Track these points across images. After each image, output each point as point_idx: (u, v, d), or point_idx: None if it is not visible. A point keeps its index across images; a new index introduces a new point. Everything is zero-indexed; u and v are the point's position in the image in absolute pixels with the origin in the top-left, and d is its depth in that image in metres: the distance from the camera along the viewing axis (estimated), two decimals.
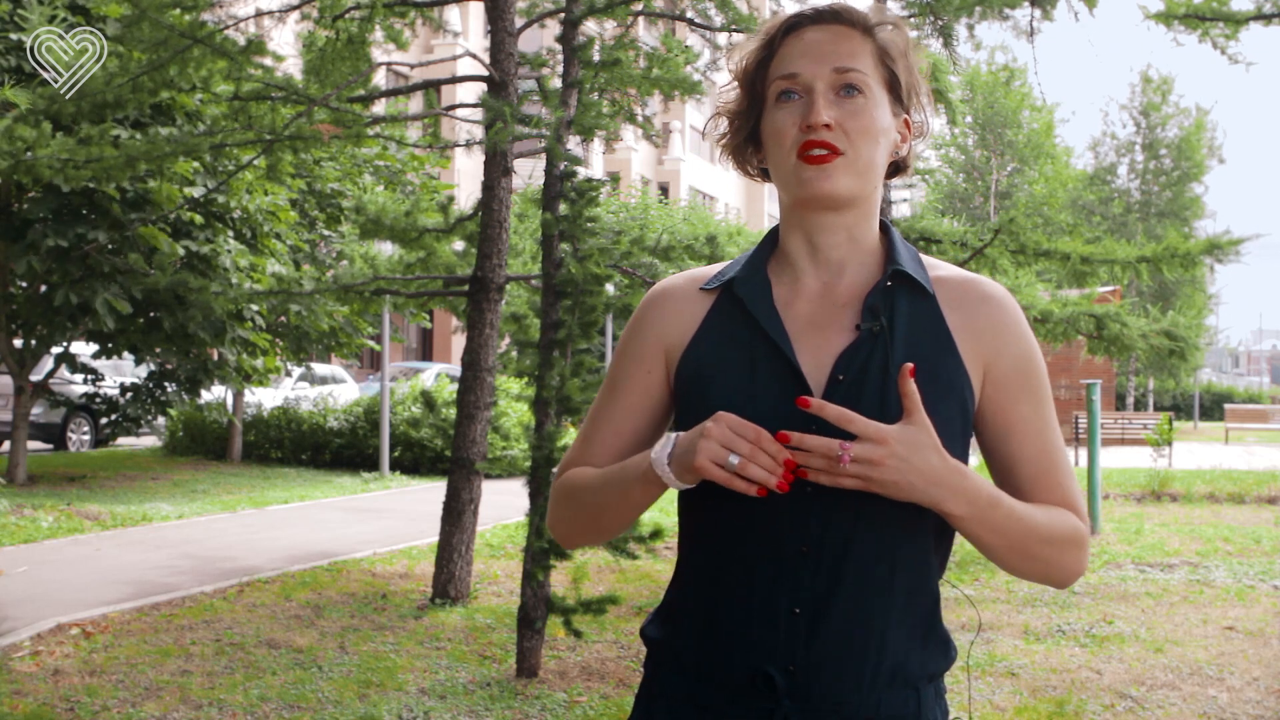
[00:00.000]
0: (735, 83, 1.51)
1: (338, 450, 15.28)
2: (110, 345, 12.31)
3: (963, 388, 1.41)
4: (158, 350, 12.71)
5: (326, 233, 15.71)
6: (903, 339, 1.40)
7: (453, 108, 7.53)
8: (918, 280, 1.44)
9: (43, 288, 11.66)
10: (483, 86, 6.81)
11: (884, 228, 1.50)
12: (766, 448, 1.29)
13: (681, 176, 43.69)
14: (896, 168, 1.51)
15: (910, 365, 1.31)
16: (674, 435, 1.38)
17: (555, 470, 2.13)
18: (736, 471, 1.30)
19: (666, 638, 1.49)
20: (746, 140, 1.51)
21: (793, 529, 1.37)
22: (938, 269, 1.48)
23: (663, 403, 1.52)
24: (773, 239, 1.52)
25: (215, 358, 13.08)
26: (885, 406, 1.35)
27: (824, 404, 1.30)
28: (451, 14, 29.85)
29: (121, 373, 16.14)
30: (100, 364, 14.50)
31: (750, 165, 1.53)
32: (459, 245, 8.14)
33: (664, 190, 40.56)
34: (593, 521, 1.53)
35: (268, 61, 6.31)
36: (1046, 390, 1.46)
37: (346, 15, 7.24)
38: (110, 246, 11.00)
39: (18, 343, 12.27)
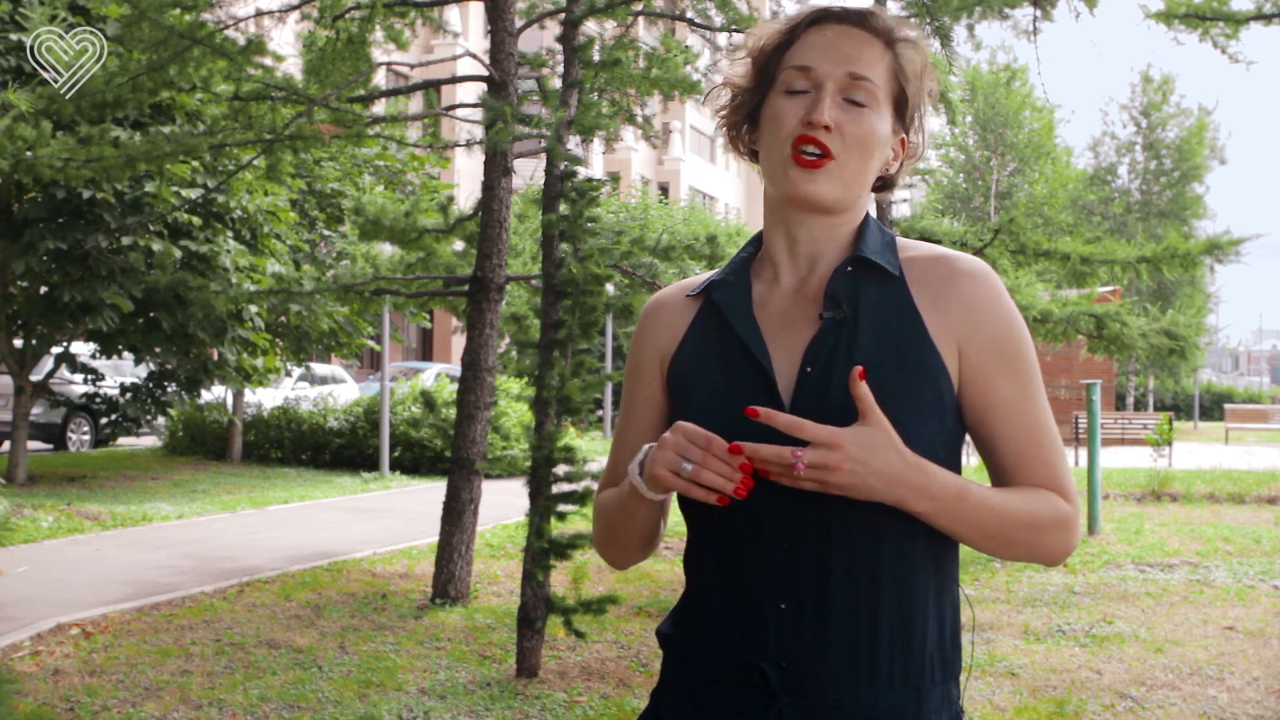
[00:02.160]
0: (749, 58, 1.50)
1: (338, 450, 15.28)
2: (110, 345, 12.31)
3: (935, 370, 1.39)
4: (158, 350, 12.71)
5: (326, 233, 15.72)
6: (870, 325, 1.39)
7: (453, 108, 7.53)
8: (881, 264, 1.42)
9: (42, 288, 11.65)
10: (483, 86, 6.81)
11: (863, 219, 1.50)
12: (719, 454, 1.30)
13: (681, 176, 43.73)
14: (884, 183, 1.51)
15: (860, 368, 1.30)
16: (647, 446, 1.40)
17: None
18: (691, 479, 1.30)
19: (675, 635, 1.51)
20: (745, 117, 1.51)
21: (774, 525, 1.37)
22: (910, 250, 1.46)
23: (669, 414, 1.53)
24: (757, 241, 1.54)
25: (215, 358, 13.08)
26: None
27: (773, 414, 1.29)
28: (451, 14, 29.86)
29: (121, 373, 16.13)
30: (100, 364, 14.50)
31: (742, 142, 1.53)
32: (459, 245, 8.14)
33: (664, 190, 40.58)
34: (622, 540, 1.55)
35: (268, 61, 6.32)
36: (1030, 367, 1.42)
37: (346, 15, 7.24)
38: (109, 247, 10.99)
39: (18, 343, 12.26)
